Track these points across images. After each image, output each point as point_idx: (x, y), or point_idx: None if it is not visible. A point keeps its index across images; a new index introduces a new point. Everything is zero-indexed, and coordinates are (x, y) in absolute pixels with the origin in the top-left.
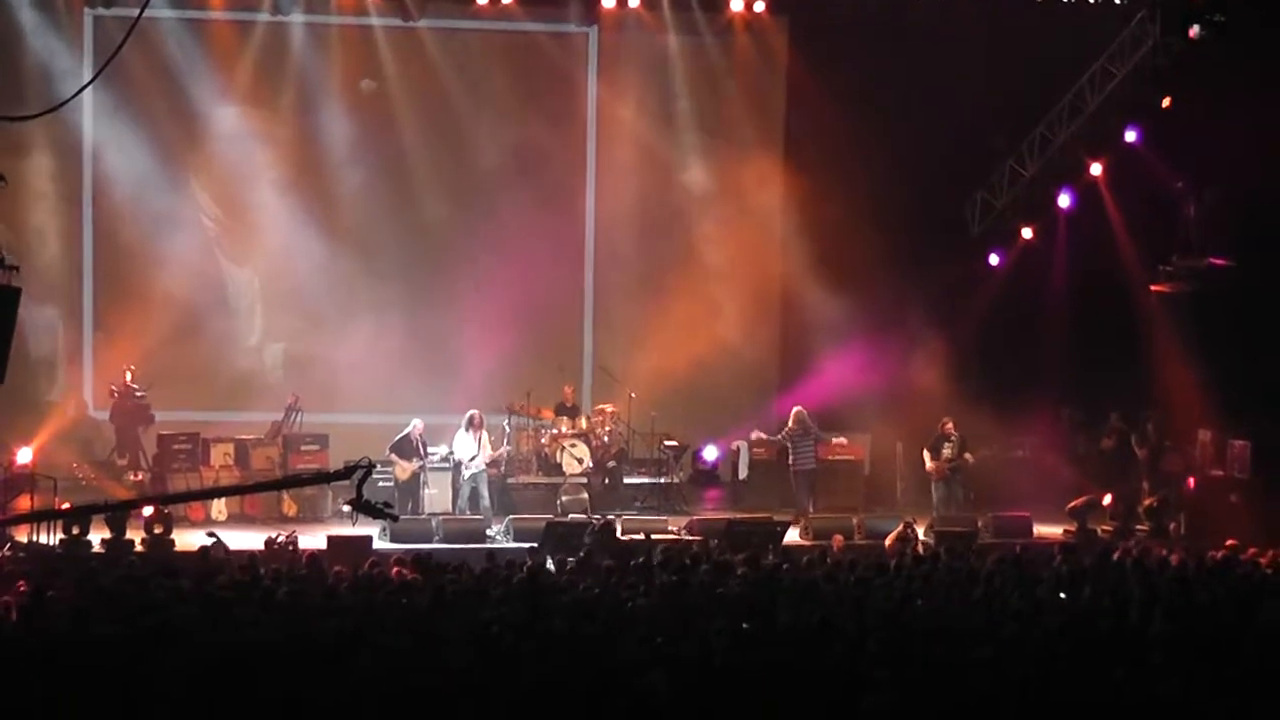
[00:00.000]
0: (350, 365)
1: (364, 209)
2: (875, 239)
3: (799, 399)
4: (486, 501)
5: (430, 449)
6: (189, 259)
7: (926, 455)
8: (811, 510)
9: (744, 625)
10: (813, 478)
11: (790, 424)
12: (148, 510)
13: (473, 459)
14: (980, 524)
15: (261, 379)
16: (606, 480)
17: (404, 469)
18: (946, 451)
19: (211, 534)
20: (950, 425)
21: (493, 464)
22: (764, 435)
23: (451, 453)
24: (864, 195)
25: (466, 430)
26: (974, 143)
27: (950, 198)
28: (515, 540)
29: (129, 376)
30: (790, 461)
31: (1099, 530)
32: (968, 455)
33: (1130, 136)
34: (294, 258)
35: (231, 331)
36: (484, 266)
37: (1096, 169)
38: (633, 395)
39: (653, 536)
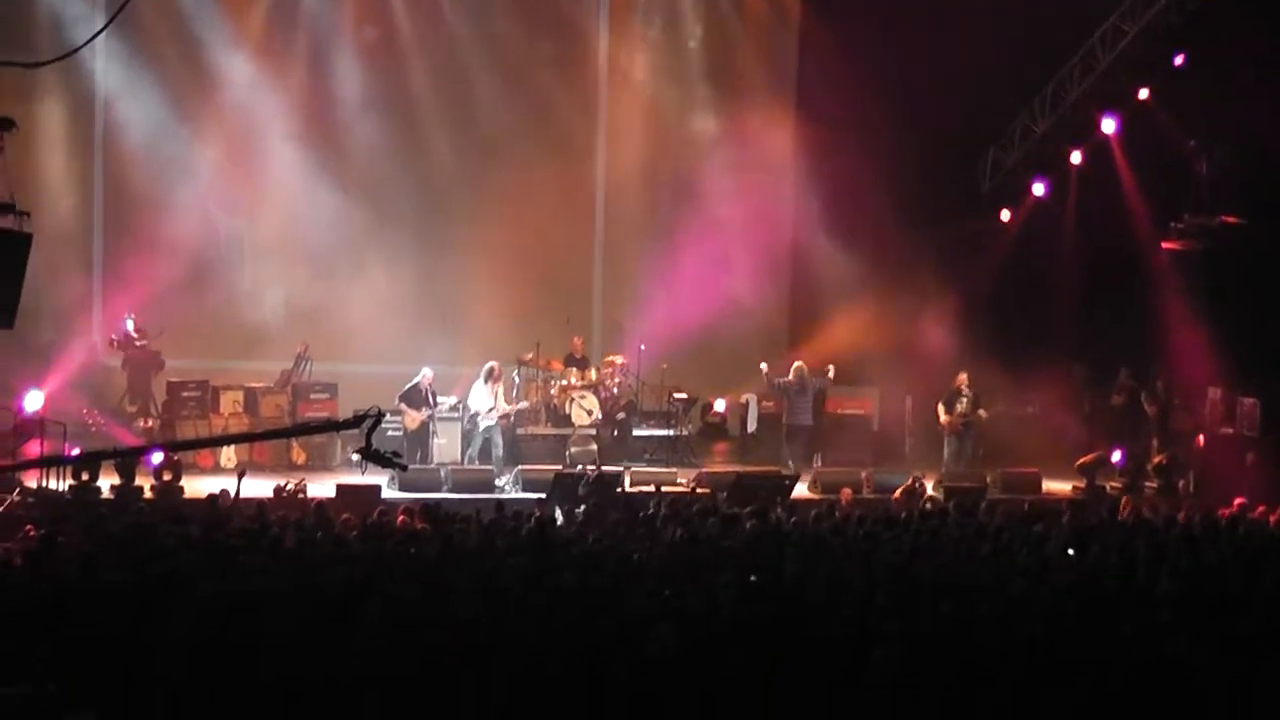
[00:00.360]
0: (360, 315)
1: (374, 159)
2: (886, 194)
3: (808, 353)
4: (500, 452)
5: (440, 398)
6: (199, 207)
7: (941, 409)
8: (819, 464)
9: (752, 578)
10: (808, 435)
11: (789, 377)
12: (157, 457)
13: (489, 411)
14: (989, 479)
15: (271, 328)
16: (615, 432)
17: (413, 418)
18: (961, 406)
19: (243, 472)
20: (965, 380)
21: (504, 415)
22: (768, 369)
23: (463, 404)
24: (875, 150)
25: (485, 382)
26: (986, 99)
27: (962, 154)
28: (523, 491)
29: (131, 325)
30: (784, 416)
31: (1108, 487)
32: (981, 411)
33: (1142, 94)
34: (303, 207)
35: (240, 280)
36: (494, 217)
37: (1108, 126)
38: (642, 347)
39: (662, 489)
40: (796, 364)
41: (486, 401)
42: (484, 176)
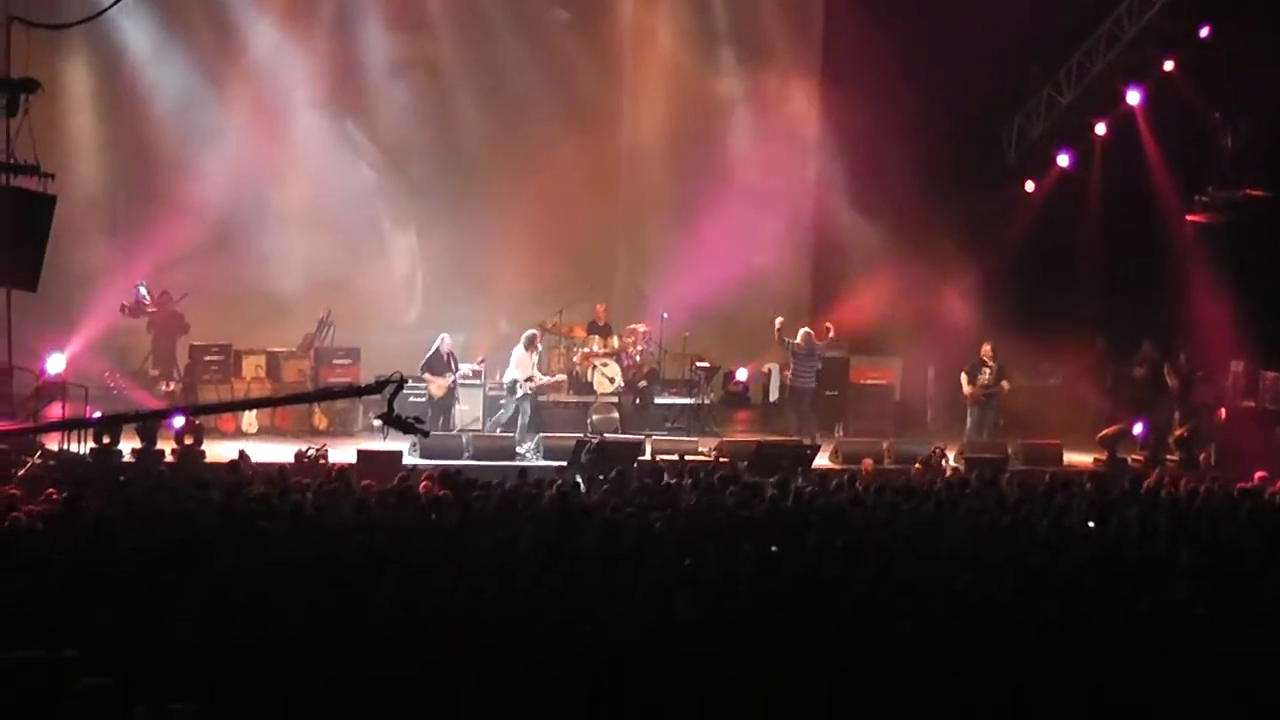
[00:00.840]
0: (383, 280)
1: (398, 125)
2: (911, 163)
3: (830, 321)
4: (526, 420)
5: (461, 364)
6: (225, 172)
7: (964, 379)
8: (840, 434)
9: (772, 548)
10: (811, 399)
11: (798, 340)
12: (179, 420)
13: (528, 379)
14: (1010, 451)
15: (294, 292)
16: (637, 400)
17: (439, 386)
18: (984, 377)
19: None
20: (989, 351)
21: (535, 383)
22: (780, 324)
23: (493, 370)
24: (900, 120)
25: (526, 350)
26: (1011, 69)
27: (987, 124)
28: (545, 459)
29: (143, 290)
30: (789, 378)
31: (1129, 459)
32: (1004, 383)
33: (1168, 66)
34: (328, 172)
35: (265, 245)
36: (517, 182)
37: (1133, 98)
38: (665, 315)
39: (686, 457)
40: (804, 329)
41: (526, 370)
42: (507, 142)
